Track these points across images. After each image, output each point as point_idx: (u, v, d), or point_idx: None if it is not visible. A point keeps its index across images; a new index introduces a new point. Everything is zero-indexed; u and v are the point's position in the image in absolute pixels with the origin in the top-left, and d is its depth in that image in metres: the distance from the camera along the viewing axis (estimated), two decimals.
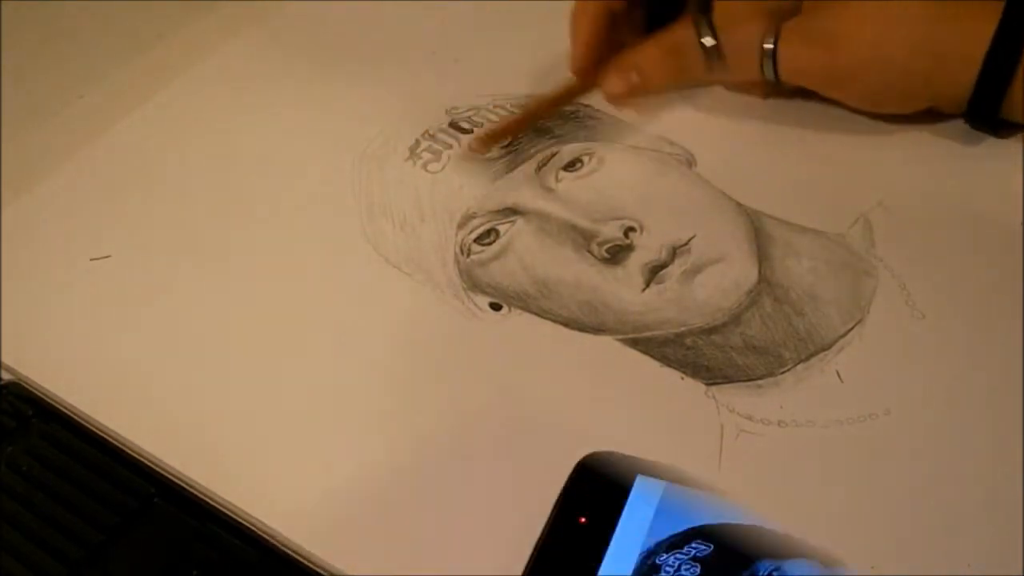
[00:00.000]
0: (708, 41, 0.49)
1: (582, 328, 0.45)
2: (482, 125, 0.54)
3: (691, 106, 0.54)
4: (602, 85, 0.52)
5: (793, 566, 0.34)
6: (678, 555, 0.35)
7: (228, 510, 0.41)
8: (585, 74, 0.52)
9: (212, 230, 0.52)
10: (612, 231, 0.48)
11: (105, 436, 0.44)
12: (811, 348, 0.43)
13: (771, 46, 0.49)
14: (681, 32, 0.50)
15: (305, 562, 0.39)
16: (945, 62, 0.47)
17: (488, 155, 0.52)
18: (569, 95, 0.53)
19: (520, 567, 0.36)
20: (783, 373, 0.43)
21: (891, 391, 0.41)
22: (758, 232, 0.47)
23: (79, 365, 0.46)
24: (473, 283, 0.48)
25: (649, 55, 0.51)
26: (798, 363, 0.43)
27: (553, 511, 0.37)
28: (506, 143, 0.52)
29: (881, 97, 0.50)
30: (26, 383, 0.46)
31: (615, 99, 0.52)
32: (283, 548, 0.40)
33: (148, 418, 0.44)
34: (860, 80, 0.49)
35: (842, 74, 0.49)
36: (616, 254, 0.47)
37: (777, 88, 0.51)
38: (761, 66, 0.49)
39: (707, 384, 0.43)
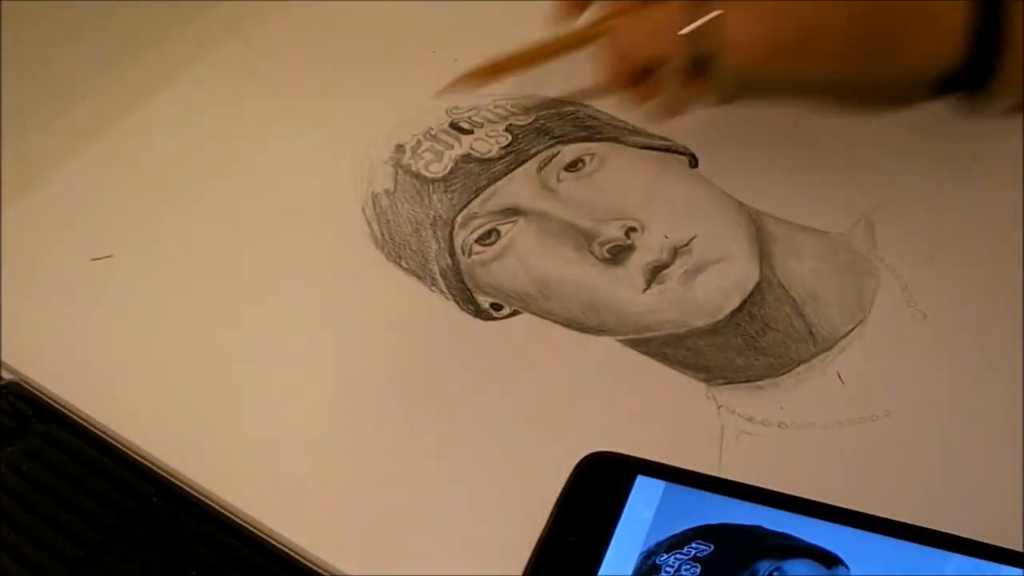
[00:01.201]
0: (693, 23, 0.46)
1: (583, 329, 0.45)
2: (482, 125, 0.54)
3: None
4: (603, 30, 0.49)
5: (793, 566, 0.34)
6: (678, 555, 0.35)
7: (227, 511, 0.41)
8: (598, 25, 0.50)
9: (213, 230, 0.52)
10: (613, 231, 0.48)
11: (105, 436, 0.44)
12: (812, 349, 0.43)
13: (697, 25, 0.46)
14: (671, 8, 0.47)
15: (305, 562, 0.39)
16: (914, 23, 0.46)
17: (488, 155, 0.52)
18: (574, 41, 0.51)
19: (520, 567, 0.36)
20: (784, 374, 0.43)
21: (892, 392, 0.41)
22: (759, 232, 0.47)
23: (79, 365, 0.46)
24: (474, 283, 0.47)
25: (638, 26, 0.48)
26: (799, 364, 0.43)
27: (553, 511, 0.37)
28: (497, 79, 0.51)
29: (834, 66, 0.47)
30: (26, 383, 0.46)
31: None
32: (283, 548, 0.40)
33: (148, 418, 0.44)
34: (804, 49, 0.46)
35: (789, 45, 0.46)
36: (617, 254, 0.47)
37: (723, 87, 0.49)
38: (704, 39, 0.46)
39: (708, 385, 0.43)
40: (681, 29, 0.46)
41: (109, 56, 0.61)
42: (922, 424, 0.40)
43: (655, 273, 0.46)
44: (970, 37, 0.45)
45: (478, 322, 0.46)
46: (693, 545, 0.35)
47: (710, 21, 0.46)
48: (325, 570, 0.39)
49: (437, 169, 0.52)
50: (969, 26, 0.45)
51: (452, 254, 0.49)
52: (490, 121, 0.54)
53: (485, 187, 0.51)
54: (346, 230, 0.50)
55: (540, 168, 0.51)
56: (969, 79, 0.47)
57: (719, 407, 0.42)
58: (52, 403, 0.45)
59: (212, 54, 0.61)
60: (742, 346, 0.44)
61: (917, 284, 0.45)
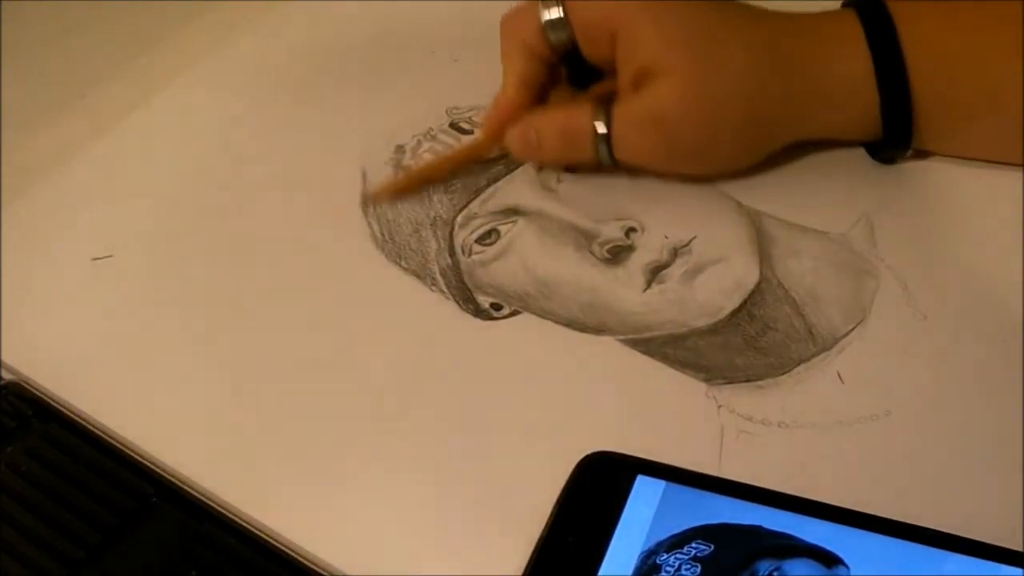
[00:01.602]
0: (601, 127, 0.47)
1: (583, 328, 0.45)
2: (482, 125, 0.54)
3: None
4: (505, 136, 0.49)
5: (793, 566, 0.34)
6: (678, 555, 0.35)
7: (227, 511, 0.41)
8: (494, 136, 0.50)
9: (213, 230, 0.52)
10: (613, 231, 0.48)
11: (104, 436, 0.44)
12: (812, 349, 0.43)
13: (604, 131, 0.47)
14: (579, 114, 0.47)
15: (305, 562, 0.39)
16: (818, 109, 0.46)
17: (488, 155, 0.52)
18: (476, 152, 0.51)
19: (520, 567, 0.36)
20: (784, 374, 0.43)
21: (892, 392, 0.41)
22: (759, 232, 0.47)
23: (79, 365, 0.46)
24: (474, 283, 0.47)
25: (548, 130, 0.48)
26: (799, 364, 0.43)
27: (553, 511, 0.37)
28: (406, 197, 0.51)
29: (732, 161, 0.49)
30: (26, 383, 0.46)
31: (516, 156, 0.51)
32: (283, 548, 0.40)
33: (148, 418, 0.44)
34: (702, 153, 0.48)
35: (682, 154, 0.47)
36: (617, 254, 0.47)
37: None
38: (596, 149, 0.47)
39: (708, 384, 0.43)
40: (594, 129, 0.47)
41: (109, 56, 0.61)
42: (922, 424, 0.40)
43: (655, 273, 0.46)
44: (881, 111, 0.46)
45: (478, 322, 0.46)
46: (693, 545, 0.35)
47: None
48: (325, 570, 0.39)
49: None
50: (878, 100, 0.45)
51: (452, 254, 0.49)
52: None
53: (485, 187, 0.51)
54: (346, 230, 0.50)
55: (540, 168, 0.51)
56: (887, 142, 0.47)
57: (719, 407, 0.42)
58: (52, 403, 0.45)
59: (212, 54, 0.61)
60: (742, 346, 0.44)
61: (917, 284, 0.45)
